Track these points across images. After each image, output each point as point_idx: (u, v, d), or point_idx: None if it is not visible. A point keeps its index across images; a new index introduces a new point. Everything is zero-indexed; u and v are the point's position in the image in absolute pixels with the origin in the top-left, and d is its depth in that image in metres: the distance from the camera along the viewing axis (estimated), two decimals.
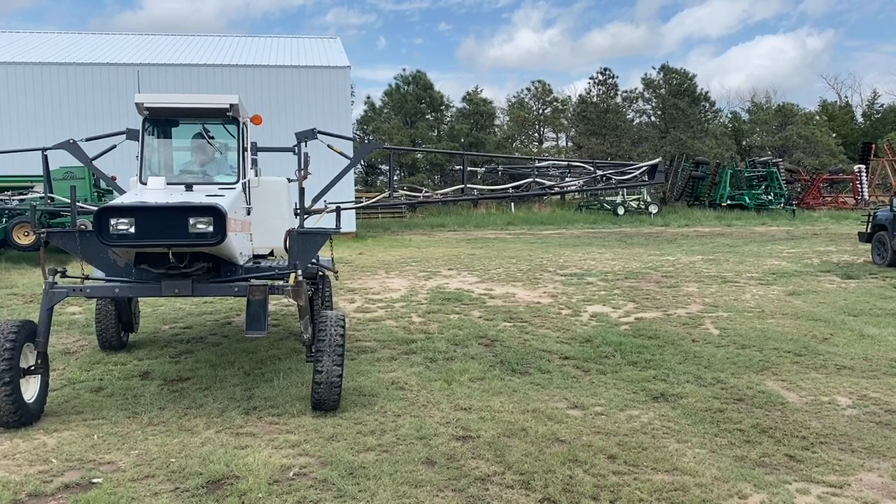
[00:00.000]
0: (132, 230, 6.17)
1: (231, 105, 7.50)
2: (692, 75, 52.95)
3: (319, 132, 8.52)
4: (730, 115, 59.70)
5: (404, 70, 61.39)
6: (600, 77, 53.43)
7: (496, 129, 54.55)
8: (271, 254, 9.17)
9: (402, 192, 9.97)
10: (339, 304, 12.76)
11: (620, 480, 5.30)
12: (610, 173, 10.14)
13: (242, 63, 29.65)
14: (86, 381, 8.08)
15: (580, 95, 54.32)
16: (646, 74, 54.00)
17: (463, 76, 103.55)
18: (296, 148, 8.54)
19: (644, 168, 9.99)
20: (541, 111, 55.67)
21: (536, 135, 56.53)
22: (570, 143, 55.23)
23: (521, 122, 54.59)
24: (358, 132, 51.23)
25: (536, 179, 9.93)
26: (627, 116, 53.74)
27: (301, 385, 7.71)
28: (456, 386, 7.79)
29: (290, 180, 8.71)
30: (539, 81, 56.16)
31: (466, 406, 7.09)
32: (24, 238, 19.65)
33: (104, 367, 8.69)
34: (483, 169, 10.61)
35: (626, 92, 53.98)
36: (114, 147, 8.80)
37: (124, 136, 8.65)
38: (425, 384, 7.89)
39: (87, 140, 9.46)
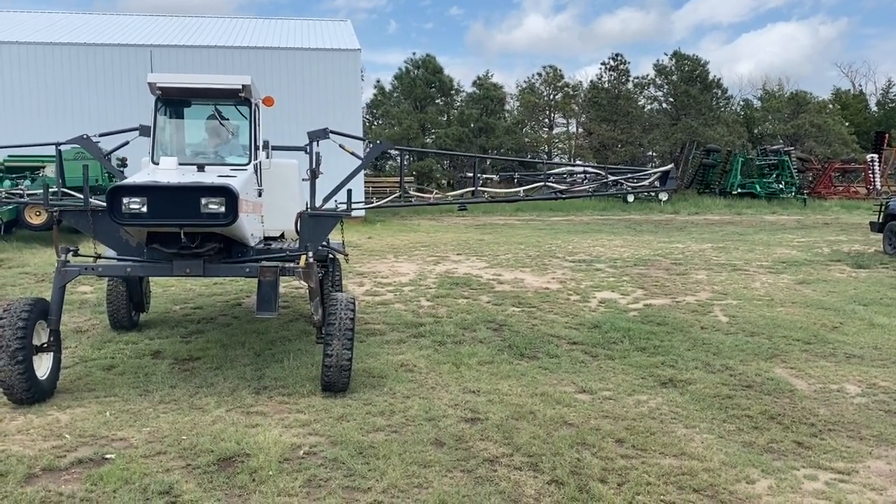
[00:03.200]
0: (144, 209, 6.20)
1: (244, 86, 7.50)
2: (704, 62, 52.49)
3: (332, 132, 8.51)
4: (742, 103, 59.20)
5: (414, 54, 61.21)
6: (612, 63, 53.03)
7: (506, 115, 54.29)
8: (282, 236, 9.19)
9: (413, 193, 9.95)
10: (349, 288, 12.79)
11: (628, 464, 5.32)
12: (622, 179, 10.12)
13: (252, 45, 29.57)
14: (98, 359, 8.15)
15: (591, 81, 54.00)
16: (658, 60, 53.57)
17: (472, 61, 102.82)
18: (308, 147, 8.54)
19: (657, 174, 9.98)
20: (552, 96, 55.35)
21: (547, 120, 56.24)
22: (580, 129, 54.93)
23: (531, 107, 54.29)
24: (367, 116, 51.11)
25: (548, 183, 9.91)
26: (639, 103, 53.35)
27: (311, 366, 7.76)
28: (464, 369, 7.82)
29: (304, 180, 8.71)
30: (550, 66, 55.86)
31: (475, 389, 7.12)
32: (35, 218, 19.77)
33: (115, 345, 8.76)
34: (498, 178, 10.53)
35: (637, 78, 53.61)
36: (126, 143, 8.79)
37: (137, 132, 8.67)
38: (434, 367, 7.92)
39: (101, 136, 9.60)
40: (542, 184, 9.94)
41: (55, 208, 7.62)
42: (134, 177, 6.81)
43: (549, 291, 12.75)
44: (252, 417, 6.27)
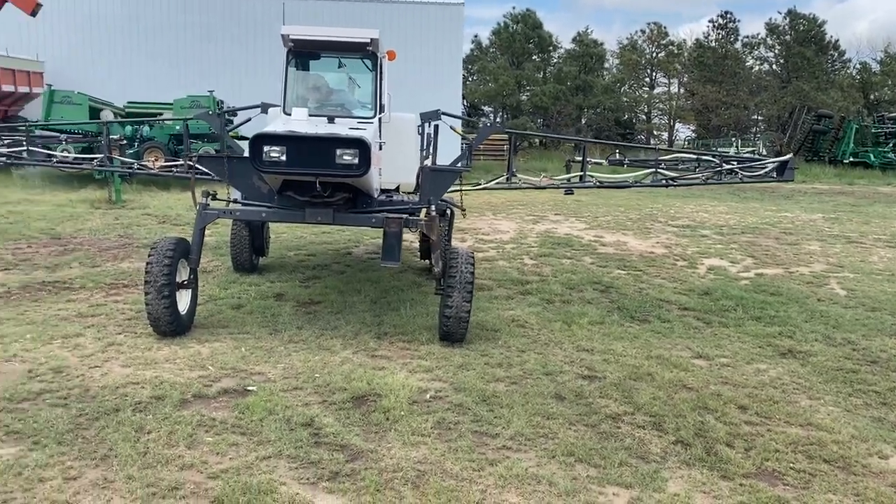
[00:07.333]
0: (283, 158, 6.49)
1: (372, 39, 7.65)
2: (821, 21, 49.49)
3: (444, 114, 8.63)
4: (859, 66, 55.58)
5: (514, 8, 60.13)
6: (720, 21, 50.76)
7: (604, 73, 52.91)
8: (397, 189, 9.40)
9: (521, 177, 10.03)
10: (452, 243, 12.98)
11: (754, 430, 5.32)
12: (737, 167, 9.84)
13: None
14: (225, 298, 8.65)
15: (697, 40, 51.85)
16: (770, 19, 50.92)
17: (564, 16, 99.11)
18: (419, 128, 8.68)
19: (774, 164, 9.65)
20: (654, 55, 53.48)
21: (647, 79, 54.51)
22: (682, 90, 53.01)
23: (632, 65, 52.68)
24: (462, 72, 50.84)
25: (658, 170, 9.72)
26: (746, 64, 50.95)
27: (426, 315, 8.01)
28: (576, 328, 7.90)
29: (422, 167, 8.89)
30: (654, 23, 53.90)
31: (588, 348, 7.20)
32: (154, 161, 20.80)
33: (240, 286, 9.26)
34: (607, 162, 10.39)
35: (747, 37, 51.13)
36: (248, 120, 9.12)
37: (259, 109, 8.99)
38: (545, 324, 8.04)
39: (224, 112, 10.07)
40: (652, 170, 9.75)
41: (193, 155, 8.06)
42: (272, 126, 7.10)
43: (654, 256, 12.60)
44: (377, 360, 6.57)
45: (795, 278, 11.08)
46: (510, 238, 14.04)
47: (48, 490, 4.15)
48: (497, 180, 10.09)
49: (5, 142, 11.03)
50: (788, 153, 38.66)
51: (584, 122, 50.46)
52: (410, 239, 12.22)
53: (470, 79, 52.41)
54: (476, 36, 64.02)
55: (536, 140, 49.77)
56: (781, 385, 6.35)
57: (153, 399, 5.47)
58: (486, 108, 52.67)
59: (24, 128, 11.32)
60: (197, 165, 8.66)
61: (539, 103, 47.44)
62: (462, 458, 4.69)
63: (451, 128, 8.62)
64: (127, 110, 22.30)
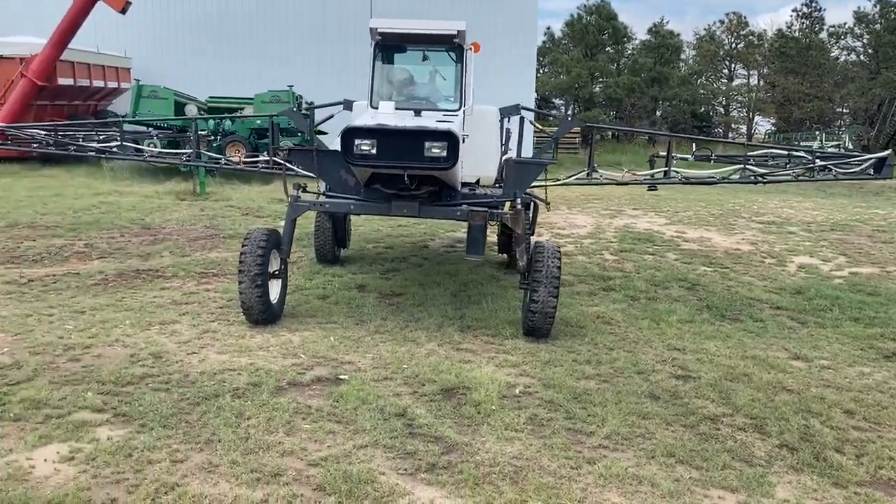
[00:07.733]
0: (374, 151, 6.53)
1: (458, 32, 7.62)
2: None
3: (523, 108, 8.54)
4: None
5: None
6: (804, 10, 48.73)
7: (681, 64, 51.53)
8: (477, 182, 9.36)
9: (602, 172, 9.84)
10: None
11: (863, 436, 5.08)
12: (831, 164, 9.42)
13: None
14: (311, 288, 8.78)
15: (778, 30, 49.94)
16: (859, 7, 48.59)
17: (638, 6, 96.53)
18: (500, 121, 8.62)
19: (870, 161, 9.19)
20: (733, 45, 51.79)
21: (726, 71, 52.84)
22: (762, 82, 51.17)
23: (709, 56, 51.13)
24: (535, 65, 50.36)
25: (748, 166, 9.37)
26: (831, 54, 48.81)
27: (508, 310, 7.96)
28: (665, 326, 7.71)
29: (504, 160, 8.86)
30: (734, 13, 52.14)
31: (680, 347, 7.02)
32: (235, 155, 21.35)
33: (324, 277, 9.39)
34: (693, 157, 10.06)
35: (833, 27, 48.95)
36: (331, 116, 9.21)
37: (342, 106, 9.09)
38: (632, 321, 7.87)
39: (307, 109, 10.25)
40: (741, 166, 9.42)
41: (285, 148, 8.20)
42: (361, 119, 7.15)
43: (740, 253, 12.20)
44: (462, 354, 6.55)
45: (894, 278, 10.55)
46: (587, 233, 13.83)
47: (157, 472, 4.28)
48: (577, 175, 9.94)
49: (100, 137, 11.48)
50: (876, 147, 36.71)
51: (658, 114, 49.34)
52: (488, 232, 12.17)
53: (541, 71, 51.88)
54: (549, 28, 63.30)
55: (609, 133, 48.97)
56: (889, 389, 6.04)
57: (250, 385, 5.60)
58: (558, 101, 52.07)
59: (117, 123, 11.76)
60: (282, 161, 8.82)
61: (613, 95, 46.59)
62: (558, 455, 4.63)
63: (529, 122, 8.54)
64: (209, 105, 22.92)
